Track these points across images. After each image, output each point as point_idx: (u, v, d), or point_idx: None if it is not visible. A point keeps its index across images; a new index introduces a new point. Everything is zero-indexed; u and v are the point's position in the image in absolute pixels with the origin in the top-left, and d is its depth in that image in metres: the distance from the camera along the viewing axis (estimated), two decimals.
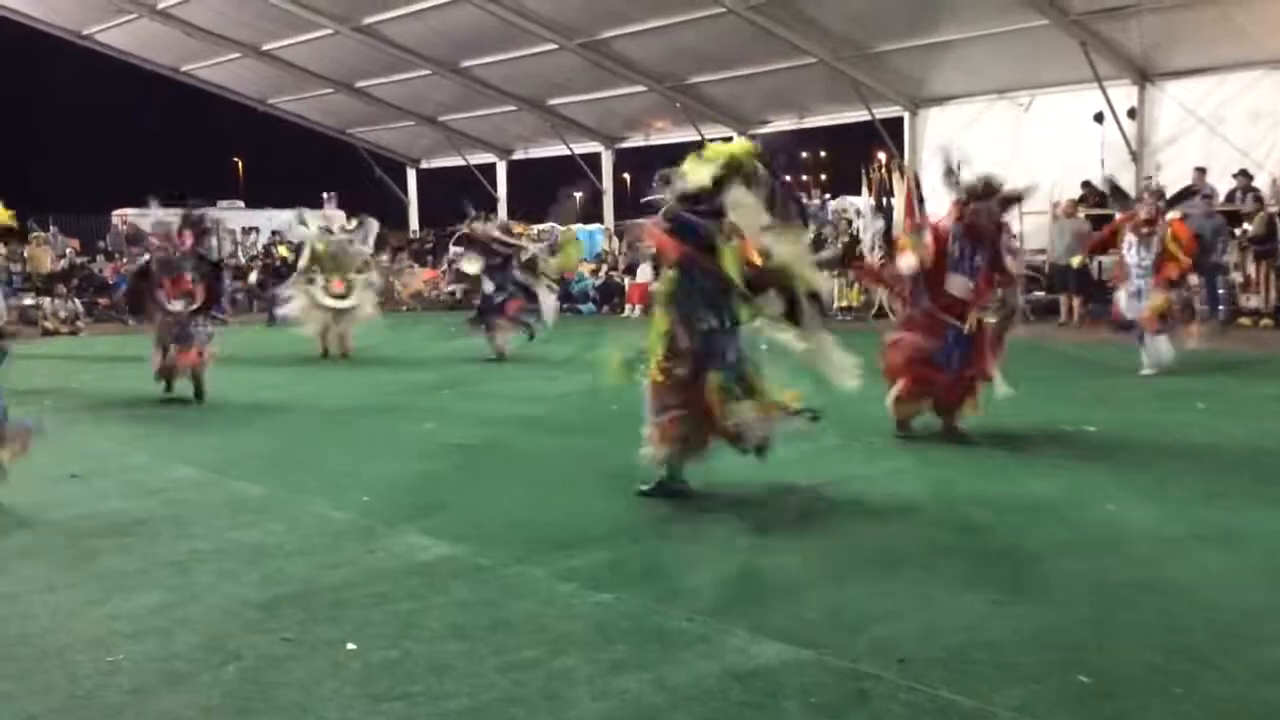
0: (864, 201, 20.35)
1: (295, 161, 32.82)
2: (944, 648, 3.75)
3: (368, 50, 23.46)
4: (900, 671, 3.54)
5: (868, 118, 20.81)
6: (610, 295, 22.53)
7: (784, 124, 23.52)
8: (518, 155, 28.80)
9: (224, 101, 28.97)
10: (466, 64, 23.78)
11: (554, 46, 21.64)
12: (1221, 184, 16.11)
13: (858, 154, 22.63)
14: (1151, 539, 5.08)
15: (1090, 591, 4.35)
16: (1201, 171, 16.08)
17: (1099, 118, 17.75)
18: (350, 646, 3.85)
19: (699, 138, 24.00)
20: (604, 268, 23.59)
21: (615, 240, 26.10)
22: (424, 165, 31.16)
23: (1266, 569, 4.58)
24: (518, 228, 24.34)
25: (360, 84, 26.20)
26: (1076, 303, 17.10)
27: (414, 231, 30.69)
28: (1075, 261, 17.06)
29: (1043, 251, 18.05)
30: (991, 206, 7.32)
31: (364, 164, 30.24)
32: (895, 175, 19.87)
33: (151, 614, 4.25)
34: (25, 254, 22.94)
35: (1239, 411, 8.49)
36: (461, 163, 29.13)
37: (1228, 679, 3.46)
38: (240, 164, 47.55)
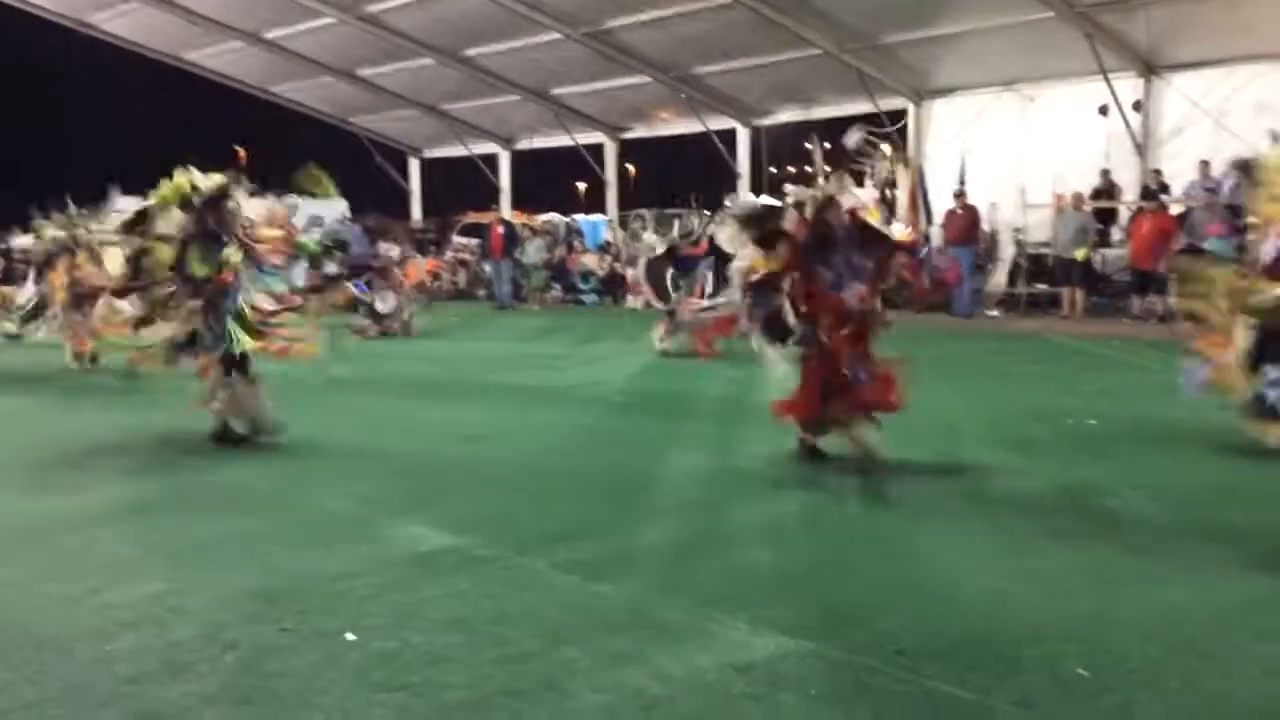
0: (867, 194, 20.28)
1: (296, 150, 32.76)
2: (943, 640, 3.74)
3: (370, 38, 23.45)
4: (899, 663, 3.53)
5: (872, 109, 20.76)
6: (613, 286, 22.48)
7: (788, 115, 23.49)
8: (521, 145, 28.75)
9: (226, 90, 28.92)
10: (470, 53, 23.76)
11: (558, 36, 21.62)
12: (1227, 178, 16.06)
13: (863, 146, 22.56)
14: (1150, 531, 5.07)
15: (1089, 583, 4.34)
16: (1206, 165, 16.05)
17: (1104, 110, 17.72)
18: (349, 637, 3.84)
19: (703, 129, 23.99)
20: (607, 259, 23.55)
21: (618, 231, 26.10)
22: (426, 154, 31.11)
23: (1264, 560, 4.57)
24: (521, 217, 24.44)
25: (362, 72, 26.18)
26: (1079, 295, 17.07)
27: (416, 221, 30.67)
28: (1079, 254, 17.06)
29: (1047, 244, 18.04)
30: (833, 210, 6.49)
31: (365, 152, 30.19)
32: (900, 168, 19.80)
33: (149, 603, 4.24)
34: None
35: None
36: (464, 152, 29.10)
37: (1226, 673, 3.45)
38: (244, 153, 47.49)
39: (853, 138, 6.92)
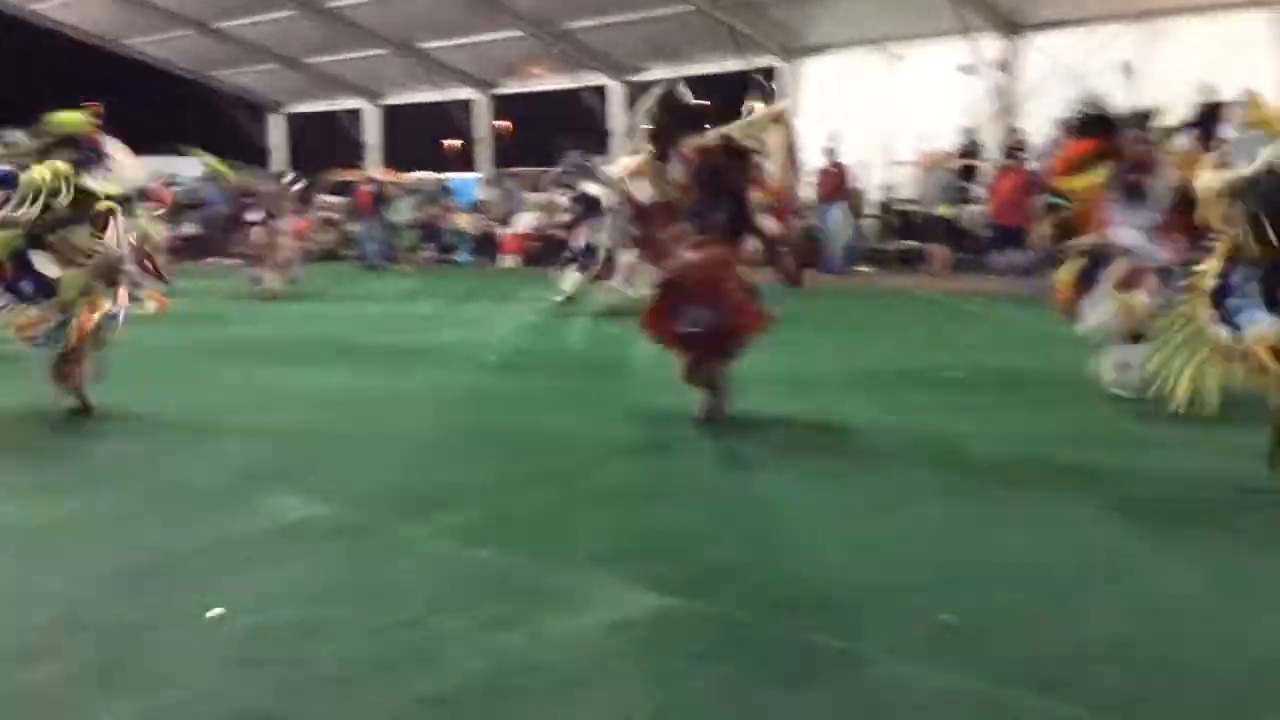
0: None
1: (149, 106, 31.38)
2: (817, 592, 3.83)
3: None
4: (773, 617, 3.59)
5: (744, 67, 20.85)
6: (486, 246, 22.19)
7: (661, 72, 23.41)
8: (389, 100, 28.07)
9: (75, 43, 27.45)
10: (333, 3, 23.03)
11: None
12: None
13: (735, 104, 22.70)
14: (1014, 479, 5.26)
15: (957, 531, 4.48)
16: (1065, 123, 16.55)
17: (968, 69, 18.13)
18: (217, 612, 3.71)
19: (575, 84, 23.78)
20: (480, 217, 23.22)
21: (491, 189, 25.75)
22: (289, 110, 30.13)
23: (1118, 505, 4.77)
24: (390, 175, 23.88)
25: (218, 24, 25.14)
26: (944, 252, 17.53)
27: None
28: (944, 211, 17.51)
29: (914, 201, 18.45)
30: (725, 157, 6.34)
31: (223, 108, 29.10)
32: (773, 125, 19.97)
33: (3, 586, 4.05)
34: None
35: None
36: (329, 107, 28.29)
37: (1084, 614, 3.60)
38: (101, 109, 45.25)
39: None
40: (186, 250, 23.33)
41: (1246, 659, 3.25)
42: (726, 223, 6.24)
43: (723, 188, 6.28)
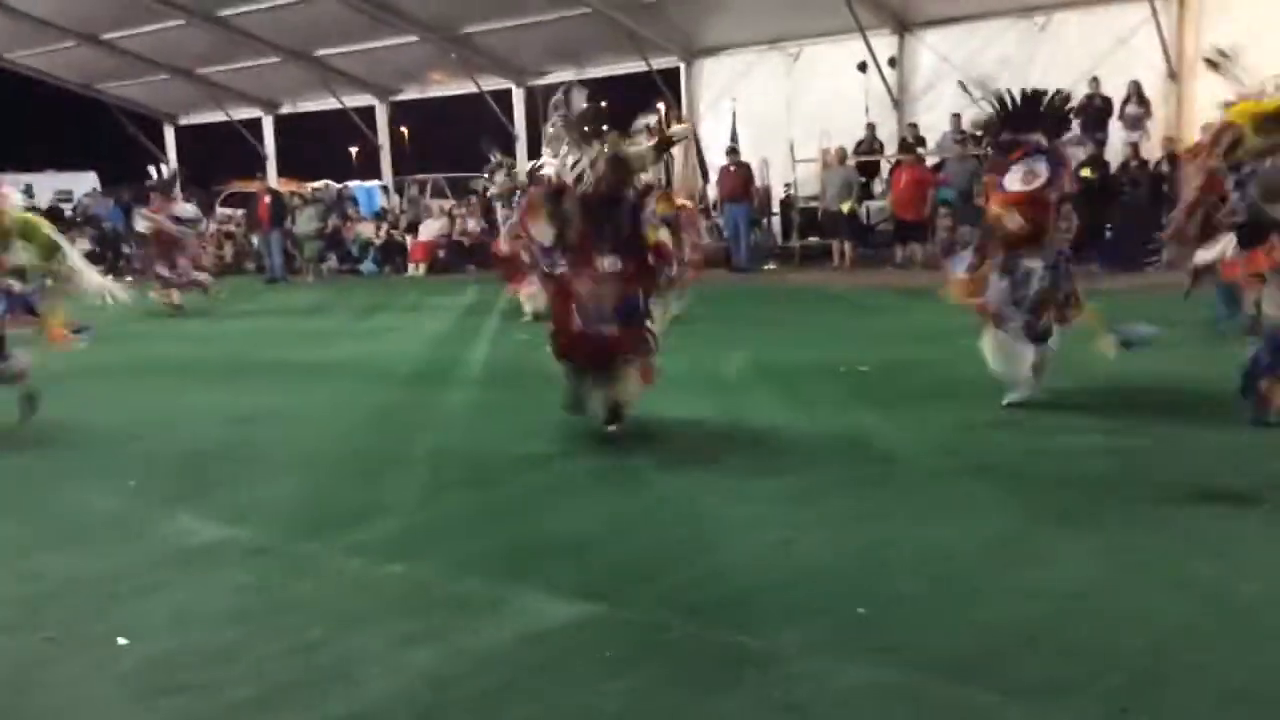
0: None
1: (37, 122, 30.40)
2: (731, 592, 3.85)
3: None
4: (691, 619, 3.60)
5: (645, 68, 20.93)
6: (391, 254, 21.90)
7: (562, 75, 23.38)
8: (285, 109, 27.57)
9: None
10: (224, 12, 22.51)
11: None
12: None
13: (637, 106, 22.74)
14: (919, 471, 5.36)
15: (866, 526, 4.55)
16: (957, 118, 16.97)
17: (862, 67, 18.44)
18: (121, 641, 3.61)
19: (477, 89, 23.62)
20: (384, 226, 22.92)
21: (395, 197, 25.45)
22: (183, 121, 29.40)
23: (1019, 493, 4.90)
24: (289, 185, 23.45)
25: (107, 35, 24.43)
26: (848, 247, 17.80)
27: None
28: (845, 207, 17.78)
29: (816, 198, 18.71)
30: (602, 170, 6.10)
31: (115, 121, 28.29)
32: (674, 126, 20.09)
33: None
34: None
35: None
36: (224, 118, 27.68)
37: (989, 601, 3.68)
38: None
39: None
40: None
41: (1150, 637, 3.35)
42: (621, 244, 6.08)
43: (612, 213, 6.11)
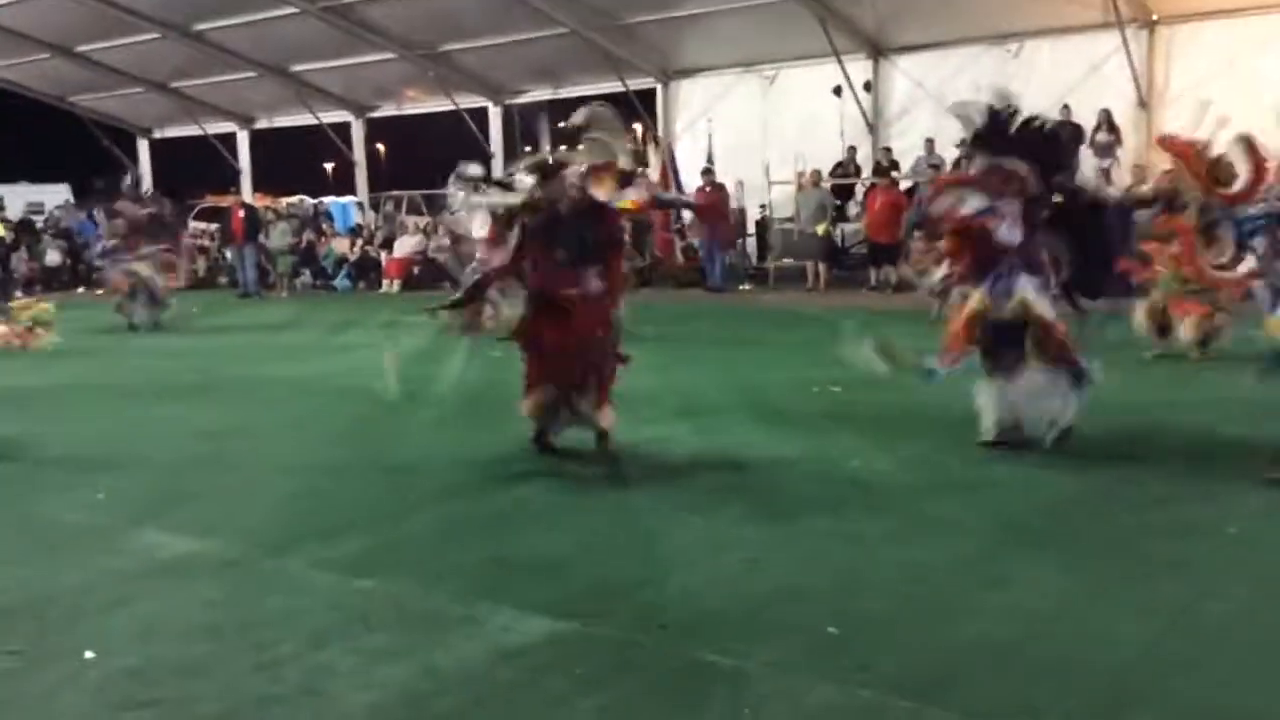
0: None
1: (9, 134, 30.18)
2: (703, 610, 3.86)
3: (89, 11, 21.76)
4: (662, 637, 3.61)
5: (622, 89, 21.02)
6: (366, 270, 21.85)
7: (539, 94, 23.47)
8: (261, 124, 27.49)
9: None
10: (200, 27, 22.46)
11: (294, 10, 20.72)
12: (949, 155, 17.20)
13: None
14: (891, 492, 5.39)
15: (839, 545, 4.58)
16: (931, 142, 17.15)
17: (837, 91, 18.61)
18: (89, 655, 3.58)
19: (453, 107, 23.65)
20: (359, 242, 22.86)
21: (370, 213, 25.39)
22: (157, 135, 29.25)
23: (989, 514, 4.94)
24: (264, 200, 23.37)
25: (82, 48, 24.31)
26: (822, 269, 17.91)
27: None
28: (820, 229, 17.91)
29: (791, 220, 18.82)
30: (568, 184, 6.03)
31: (89, 134, 28.11)
32: (650, 147, 20.23)
33: None
34: None
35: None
36: (199, 132, 27.56)
37: (958, 620, 3.71)
38: None
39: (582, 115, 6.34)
40: (52, 280, 22.56)
41: (1117, 659, 3.38)
42: (589, 257, 6.04)
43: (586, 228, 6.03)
